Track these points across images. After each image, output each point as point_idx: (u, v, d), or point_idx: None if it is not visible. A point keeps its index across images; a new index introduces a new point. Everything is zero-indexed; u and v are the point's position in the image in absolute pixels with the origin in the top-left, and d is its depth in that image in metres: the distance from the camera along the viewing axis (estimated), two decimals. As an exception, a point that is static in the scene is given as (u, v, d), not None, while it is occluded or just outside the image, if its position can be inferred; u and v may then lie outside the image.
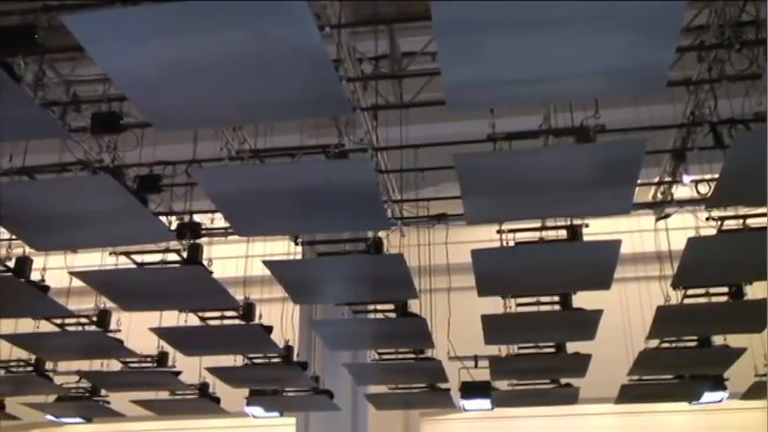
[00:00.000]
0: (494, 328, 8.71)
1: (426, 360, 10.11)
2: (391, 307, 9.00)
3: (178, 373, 10.84)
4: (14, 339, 9.70)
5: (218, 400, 11.63)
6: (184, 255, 8.00)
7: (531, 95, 5.25)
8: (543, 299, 8.86)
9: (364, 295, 8.82)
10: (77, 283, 7.92)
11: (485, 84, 4.77)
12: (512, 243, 7.57)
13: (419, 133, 9.26)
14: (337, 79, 4.81)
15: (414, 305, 9.22)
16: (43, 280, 8.49)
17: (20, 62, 6.07)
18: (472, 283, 7.57)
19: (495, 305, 8.87)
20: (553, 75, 4.69)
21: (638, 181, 6.02)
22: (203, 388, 11.43)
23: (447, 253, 10.37)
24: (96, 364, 11.35)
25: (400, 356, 10.17)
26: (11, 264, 8.11)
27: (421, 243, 10.98)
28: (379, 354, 10.27)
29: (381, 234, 8.47)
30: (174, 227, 8.52)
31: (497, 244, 7.53)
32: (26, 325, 10.23)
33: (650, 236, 9.98)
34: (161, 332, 9.34)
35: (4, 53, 5.51)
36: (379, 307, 9.17)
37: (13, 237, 8.15)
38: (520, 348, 9.95)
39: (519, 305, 8.91)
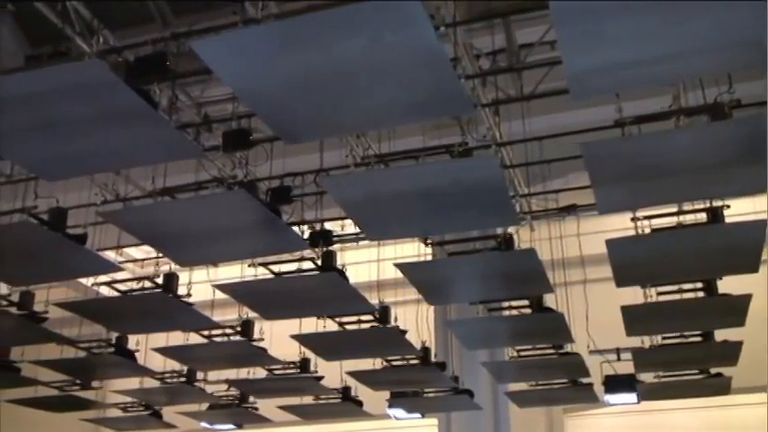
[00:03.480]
0: (635, 318, 8.43)
1: (566, 355, 9.92)
2: (526, 303, 8.90)
3: (320, 377, 11.11)
4: (167, 352, 10.22)
5: (360, 404, 11.83)
6: (319, 262, 8.19)
7: (658, 76, 5.07)
8: (685, 286, 8.51)
9: (498, 292, 8.75)
10: (220, 295, 8.27)
11: (608, 68, 4.64)
12: (648, 230, 7.33)
13: (543, 125, 9.11)
14: (456, 78, 4.82)
15: (549, 300, 9.07)
16: (189, 294, 8.89)
17: (155, 89, 6.42)
18: (608, 273, 7.37)
19: (634, 295, 8.60)
20: (679, 52, 4.51)
21: (782, 155, 5.69)
22: (345, 391, 11.65)
23: (580, 244, 10.16)
24: (243, 372, 11.80)
25: (539, 353, 10.02)
26: (159, 280, 8.55)
27: (552, 236, 10.80)
28: (517, 351, 10.16)
29: (511, 230, 8.39)
30: (306, 236, 8.74)
31: (632, 232, 7.31)
32: (176, 338, 10.78)
33: (799, 213, 9.41)
34: (302, 339, 9.60)
35: (140, 81, 5.83)
36: (514, 303, 9.07)
37: (160, 255, 8.61)
38: (664, 339, 9.59)
39: (660, 294, 8.61)
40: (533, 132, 9.02)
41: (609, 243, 6.79)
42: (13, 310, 8.96)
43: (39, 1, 7.32)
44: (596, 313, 10.20)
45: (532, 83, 8.95)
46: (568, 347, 9.93)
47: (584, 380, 10.60)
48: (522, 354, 10.13)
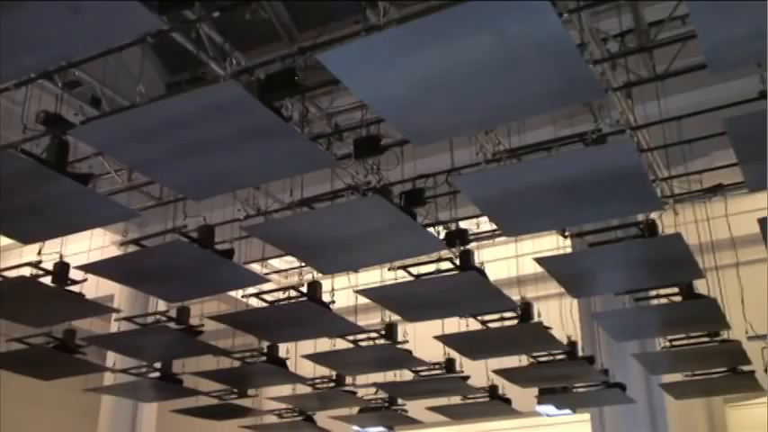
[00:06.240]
0: (797, 300, 7.95)
1: (723, 342, 9.45)
2: (675, 290, 8.56)
3: (467, 377, 11.10)
4: (316, 358, 10.50)
5: (508, 401, 11.72)
6: (457, 262, 8.18)
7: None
8: None
9: (644, 281, 8.46)
10: (363, 300, 8.40)
11: (746, 38, 4.41)
12: (805, 205, 6.89)
13: (679, 104, 8.75)
14: (584, 64, 4.71)
15: (700, 285, 8.68)
16: (333, 301, 9.08)
17: (286, 104, 6.62)
18: (763, 254, 7.00)
19: (794, 275, 8.11)
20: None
21: None
22: (493, 390, 11.58)
23: (729, 226, 9.67)
24: (390, 375, 11.95)
25: (693, 341, 9.60)
26: (304, 289, 8.79)
27: (698, 219, 10.35)
28: (669, 340, 9.78)
29: (654, 215, 8.09)
30: (442, 236, 8.76)
31: (788, 208, 6.90)
32: (324, 344, 11.06)
33: None
34: (445, 339, 9.61)
35: (272, 98, 6.03)
36: (662, 292, 8.75)
37: (303, 264, 8.86)
38: (832, 319, 8.99)
39: (824, 272, 8.08)
40: (670, 112, 8.66)
41: (762, 222, 6.44)
42: (172, 325, 9.49)
43: (175, 31, 7.70)
44: (752, 297, 9.68)
45: (665, 61, 8.59)
46: (725, 334, 9.46)
47: (745, 368, 10.07)
48: (675, 343, 9.74)
